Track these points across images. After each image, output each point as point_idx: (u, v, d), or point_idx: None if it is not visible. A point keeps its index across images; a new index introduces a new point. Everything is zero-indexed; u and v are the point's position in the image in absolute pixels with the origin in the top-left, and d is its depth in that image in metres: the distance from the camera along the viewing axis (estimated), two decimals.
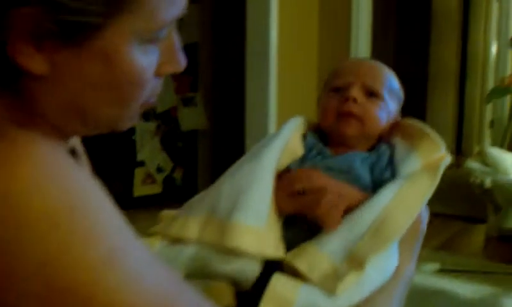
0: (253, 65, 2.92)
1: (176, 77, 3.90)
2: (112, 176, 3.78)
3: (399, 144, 0.93)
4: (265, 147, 0.90)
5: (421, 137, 0.93)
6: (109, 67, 0.54)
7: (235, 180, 0.86)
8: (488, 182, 2.99)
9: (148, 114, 3.83)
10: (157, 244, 0.82)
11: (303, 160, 0.92)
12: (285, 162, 0.90)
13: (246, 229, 0.80)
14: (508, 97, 4.05)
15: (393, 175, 0.87)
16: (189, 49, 3.94)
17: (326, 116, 0.95)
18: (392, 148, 0.93)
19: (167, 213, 0.88)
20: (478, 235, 3.28)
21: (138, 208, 3.76)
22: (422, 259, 2.80)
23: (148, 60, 0.57)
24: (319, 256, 0.79)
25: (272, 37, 2.85)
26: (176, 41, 0.62)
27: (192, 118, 4.04)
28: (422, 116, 5.26)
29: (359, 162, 0.90)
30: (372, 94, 0.94)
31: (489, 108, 5.04)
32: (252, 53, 2.92)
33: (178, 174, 4.08)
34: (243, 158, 0.92)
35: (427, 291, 2.41)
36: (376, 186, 0.88)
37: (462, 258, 2.87)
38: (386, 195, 0.83)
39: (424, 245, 0.90)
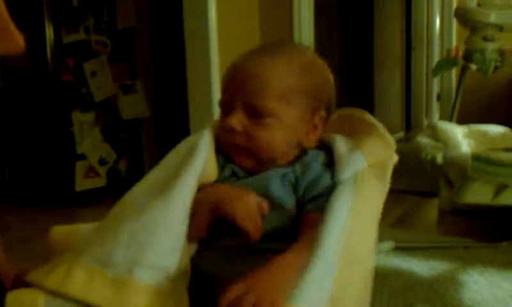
0: (193, 47, 2.82)
1: (113, 64, 3.75)
2: (51, 171, 3.61)
3: (341, 141, 0.80)
4: (178, 183, 0.73)
5: (369, 134, 0.80)
6: None
7: (138, 225, 0.69)
8: (439, 158, 2.95)
9: (85, 104, 3.65)
10: (41, 298, 0.65)
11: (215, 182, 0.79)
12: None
13: (147, 290, 0.66)
14: (454, 69, 4.03)
15: (333, 178, 0.75)
16: (125, 34, 3.86)
17: (220, 142, 0.80)
18: (327, 148, 0.80)
19: (57, 230, 0.72)
20: (431, 209, 3.27)
21: (82, 204, 3.62)
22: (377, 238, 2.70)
23: None
24: None
25: (211, 17, 2.74)
26: (5, 16, 0.51)
27: (133, 106, 3.89)
28: (370, 91, 5.24)
29: (277, 182, 0.75)
30: (256, 114, 0.76)
31: (436, 81, 5.04)
32: (191, 34, 2.81)
33: (122, 166, 3.94)
34: (150, 185, 0.74)
35: (382, 272, 2.36)
36: (303, 204, 0.76)
37: (417, 234, 2.83)
38: (340, 220, 0.71)
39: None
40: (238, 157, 0.77)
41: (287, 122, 0.76)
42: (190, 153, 0.76)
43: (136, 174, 3.97)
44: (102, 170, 3.79)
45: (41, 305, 0.65)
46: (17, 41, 0.52)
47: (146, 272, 0.66)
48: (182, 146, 0.79)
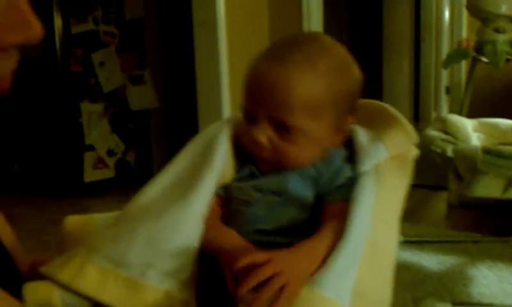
0: (202, 37, 2.80)
1: (121, 55, 3.75)
2: (60, 162, 3.62)
3: (361, 132, 0.77)
4: (199, 186, 0.71)
5: (391, 125, 0.78)
6: None
7: (156, 227, 0.68)
8: (449, 151, 2.93)
9: (94, 95, 3.64)
10: (56, 291, 0.65)
11: (233, 180, 0.77)
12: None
13: (159, 294, 0.65)
14: (464, 62, 4.00)
15: (354, 170, 0.74)
16: (133, 24, 3.84)
17: (247, 150, 0.77)
18: (349, 141, 0.78)
19: (71, 220, 0.72)
20: (440, 203, 3.25)
21: (90, 195, 3.62)
22: None
23: None
24: (323, 301, 0.64)
25: (219, 6, 2.72)
26: (23, 2, 0.48)
27: (141, 97, 3.88)
28: (378, 84, 5.21)
29: (296, 179, 0.73)
30: (282, 127, 0.72)
31: (444, 73, 5.00)
32: (200, 24, 2.79)
33: (131, 157, 3.93)
34: (169, 183, 0.72)
35: None
36: (323, 196, 0.74)
37: (425, 228, 2.81)
38: (366, 211, 0.70)
39: None
40: (266, 166, 0.76)
41: (316, 136, 0.74)
42: (210, 152, 0.75)
43: (145, 165, 3.97)
44: (111, 161, 3.79)
45: (56, 297, 0.65)
46: (36, 29, 0.50)
47: (159, 276, 0.66)
48: (199, 142, 0.78)
